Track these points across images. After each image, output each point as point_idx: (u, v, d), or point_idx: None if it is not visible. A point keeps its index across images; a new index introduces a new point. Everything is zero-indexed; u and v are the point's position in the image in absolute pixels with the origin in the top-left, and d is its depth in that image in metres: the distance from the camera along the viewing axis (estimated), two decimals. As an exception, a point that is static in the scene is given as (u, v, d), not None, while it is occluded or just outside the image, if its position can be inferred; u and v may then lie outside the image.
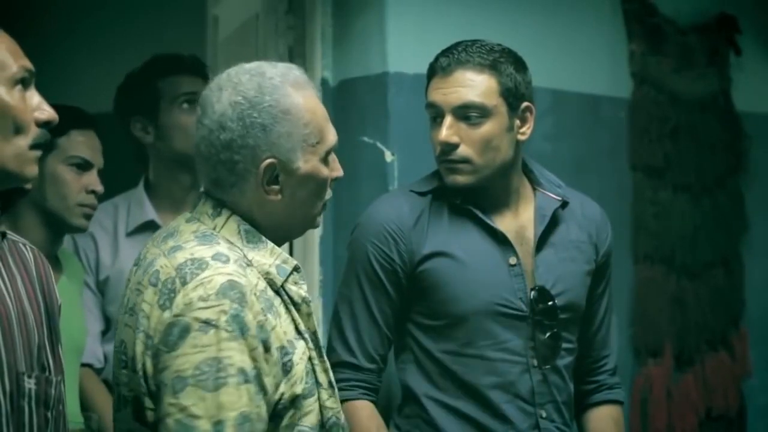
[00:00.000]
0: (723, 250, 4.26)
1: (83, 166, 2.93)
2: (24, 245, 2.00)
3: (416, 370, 2.69)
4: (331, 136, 2.14)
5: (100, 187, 2.94)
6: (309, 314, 2.11)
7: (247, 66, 2.13)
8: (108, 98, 3.56)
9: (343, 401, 2.50)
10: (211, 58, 4.12)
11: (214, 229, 2.08)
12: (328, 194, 2.18)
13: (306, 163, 2.09)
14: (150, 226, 3.24)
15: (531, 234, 2.72)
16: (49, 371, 1.92)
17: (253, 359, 1.97)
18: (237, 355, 1.95)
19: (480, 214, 2.67)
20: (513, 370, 2.65)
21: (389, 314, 2.68)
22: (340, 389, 2.29)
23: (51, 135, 1.94)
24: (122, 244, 3.26)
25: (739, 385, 4.28)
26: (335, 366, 2.46)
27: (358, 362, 2.66)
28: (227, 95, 2.07)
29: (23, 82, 1.88)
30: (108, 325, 3.21)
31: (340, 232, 3.40)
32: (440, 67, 2.65)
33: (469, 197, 2.68)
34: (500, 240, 2.68)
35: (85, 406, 3.04)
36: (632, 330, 3.96)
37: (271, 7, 3.64)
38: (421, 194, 2.72)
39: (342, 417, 2.15)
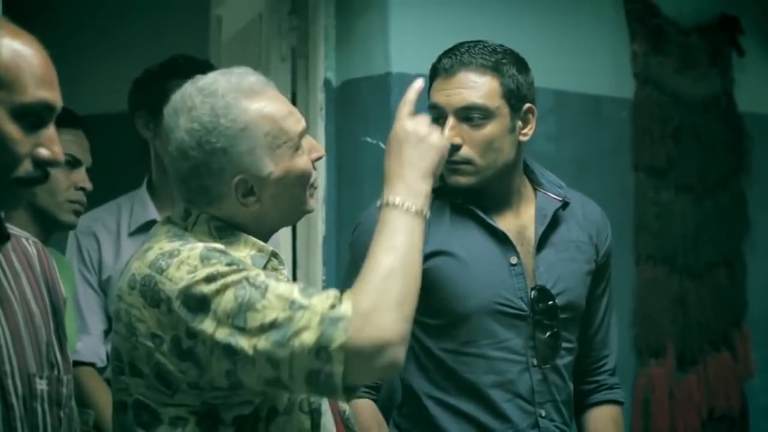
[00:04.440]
0: (725, 251, 4.26)
1: (72, 163, 2.94)
2: (27, 240, 1.96)
3: (416, 369, 2.69)
4: (296, 128, 2.07)
5: (89, 184, 2.95)
6: None
7: (201, 83, 2.06)
8: (111, 99, 3.56)
9: None
10: (214, 58, 4.13)
11: (185, 229, 2.07)
12: (313, 176, 2.12)
13: (277, 165, 2.05)
14: (152, 226, 3.24)
15: (532, 234, 2.72)
16: (58, 369, 1.91)
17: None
18: (257, 274, 1.94)
19: (481, 214, 2.68)
20: (513, 369, 2.65)
21: None
22: None
23: (45, 176, 1.77)
24: (124, 244, 3.26)
25: (742, 385, 4.29)
26: None
27: None
28: (183, 122, 2.02)
29: (36, 115, 1.72)
30: (110, 325, 3.22)
31: (342, 233, 3.41)
32: (443, 68, 2.65)
33: (470, 197, 2.68)
34: (501, 239, 2.68)
35: (85, 403, 3.05)
36: (634, 330, 3.96)
37: (274, 7, 3.65)
38: None
39: (326, 403, 2.13)
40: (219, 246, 1.99)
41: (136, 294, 1.99)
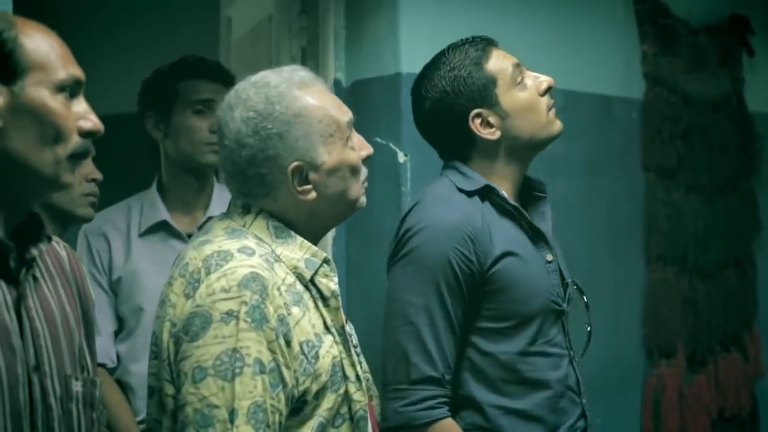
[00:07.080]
0: (735, 251, 4.26)
1: None
2: (58, 243, 1.99)
3: (476, 380, 2.56)
4: (345, 118, 2.17)
5: (99, 174, 2.95)
6: (337, 308, 2.14)
7: (253, 79, 2.16)
8: (121, 99, 3.56)
9: (432, 422, 2.44)
10: (224, 58, 4.13)
11: (244, 225, 2.13)
12: (364, 172, 2.20)
13: (330, 155, 2.12)
14: (162, 227, 3.25)
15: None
16: (88, 371, 1.93)
17: (272, 351, 2.00)
18: (254, 346, 1.98)
19: (524, 212, 2.60)
20: (563, 364, 2.63)
21: (462, 320, 2.54)
22: (426, 408, 2.38)
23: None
24: (135, 244, 3.26)
25: (752, 386, 4.29)
26: (418, 382, 2.43)
27: (442, 376, 2.50)
28: (239, 113, 2.11)
29: (70, 90, 1.84)
30: (121, 326, 3.22)
31: (352, 233, 3.41)
32: (493, 41, 2.67)
33: (513, 194, 2.64)
34: (536, 237, 2.64)
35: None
36: (645, 331, 3.96)
37: (284, 8, 3.65)
38: (469, 194, 2.60)
39: (368, 411, 2.16)
40: (265, 275, 2.03)
41: (183, 282, 2.06)
